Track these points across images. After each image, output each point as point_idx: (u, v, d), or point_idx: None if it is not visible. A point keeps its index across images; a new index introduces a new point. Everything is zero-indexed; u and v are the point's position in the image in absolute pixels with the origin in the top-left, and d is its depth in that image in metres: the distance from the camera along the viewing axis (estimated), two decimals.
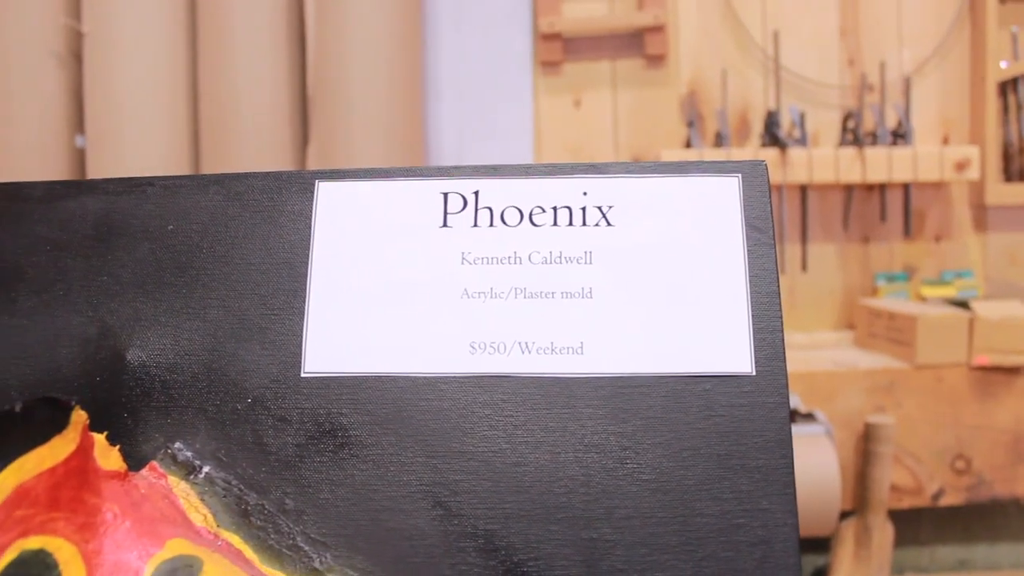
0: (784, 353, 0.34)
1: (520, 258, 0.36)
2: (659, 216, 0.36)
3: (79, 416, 0.30)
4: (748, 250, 0.35)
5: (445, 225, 0.37)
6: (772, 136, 1.48)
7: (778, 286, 0.34)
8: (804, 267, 1.54)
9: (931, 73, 1.58)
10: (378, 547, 0.33)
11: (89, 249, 0.39)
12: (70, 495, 0.29)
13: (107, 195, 0.40)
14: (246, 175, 0.39)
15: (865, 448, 1.33)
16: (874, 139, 1.51)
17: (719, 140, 1.51)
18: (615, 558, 0.32)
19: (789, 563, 0.32)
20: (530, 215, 0.36)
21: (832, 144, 1.55)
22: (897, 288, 1.57)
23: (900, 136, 1.50)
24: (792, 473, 0.33)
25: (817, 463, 1.21)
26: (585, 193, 0.36)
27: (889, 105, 1.54)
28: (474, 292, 0.35)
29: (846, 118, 1.52)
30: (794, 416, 1.30)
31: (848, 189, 1.55)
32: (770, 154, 1.46)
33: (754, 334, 0.34)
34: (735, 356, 0.34)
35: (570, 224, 0.36)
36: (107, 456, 0.32)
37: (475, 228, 0.36)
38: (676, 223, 0.36)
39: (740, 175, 0.36)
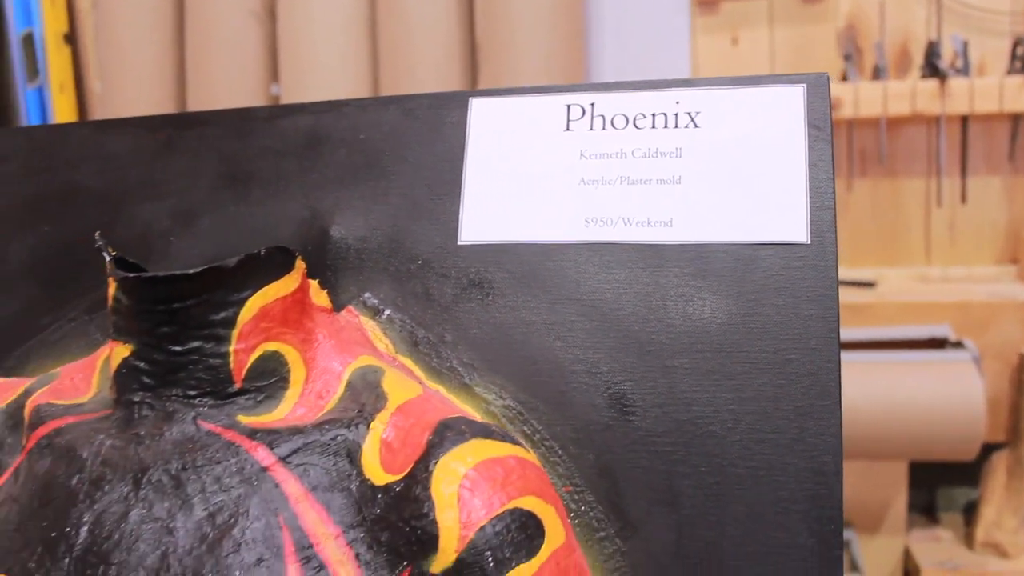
0: (835, 227, 0.42)
1: (625, 154, 0.45)
2: (737, 119, 0.44)
3: (300, 264, 0.42)
4: (808, 145, 0.43)
5: (568, 129, 0.47)
6: (932, 67, 1.47)
7: (832, 173, 0.42)
8: (963, 199, 1.53)
9: None
10: (512, 369, 0.44)
11: (301, 154, 0.51)
12: (295, 318, 0.42)
13: (314, 114, 0.52)
14: (417, 96, 0.50)
15: (1019, 379, 1.33)
16: None
17: (877, 73, 1.51)
18: (691, 382, 0.42)
19: (831, 391, 0.40)
20: (634, 120, 0.46)
21: (999, 73, 1.51)
22: None
23: None
24: (837, 320, 0.41)
25: (961, 388, 1.23)
26: (678, 102, 0.45)
27: None
28: (589, 180, 0.45)
29: (1016, 45, 1.48)
30: (943, 344, 1.32)
31: (1015, 119, 1.52)
32: (929, 85, 1.46)
33: (810, 211, 0.42)
34: (794, 228, 0.42)
35: (665, 127, 0.45)
36: (318, 296, 0.45)
37: (591, 131, 0.46)
38: (750, 124, 0.44)
39: (805, 85, 0.44)
